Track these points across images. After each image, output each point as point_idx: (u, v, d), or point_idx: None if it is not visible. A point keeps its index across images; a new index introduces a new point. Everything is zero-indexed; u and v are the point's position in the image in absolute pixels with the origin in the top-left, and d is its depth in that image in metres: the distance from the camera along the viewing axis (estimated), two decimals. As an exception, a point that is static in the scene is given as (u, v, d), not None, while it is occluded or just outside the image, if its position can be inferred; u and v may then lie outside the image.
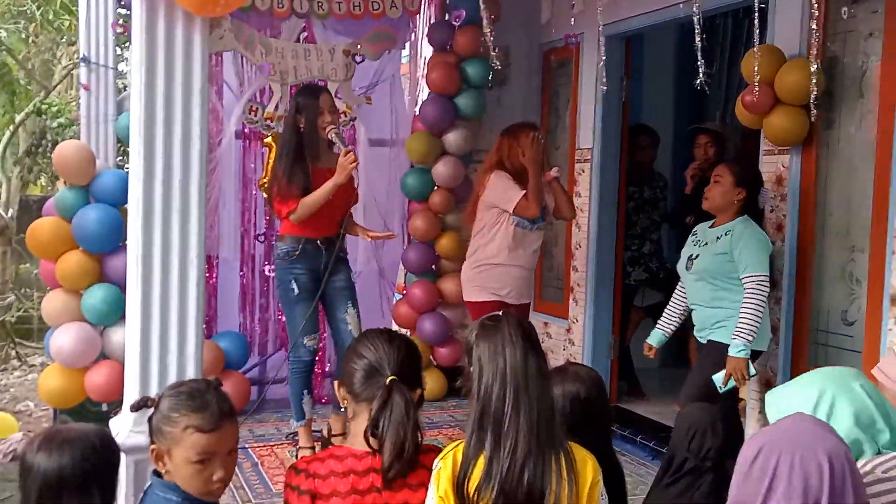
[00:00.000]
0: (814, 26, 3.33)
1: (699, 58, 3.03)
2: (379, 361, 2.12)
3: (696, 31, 2.92)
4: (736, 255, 3.78)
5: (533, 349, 1.99)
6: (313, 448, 4.49)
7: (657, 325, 4.25)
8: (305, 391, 4.52)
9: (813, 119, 3.85)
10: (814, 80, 3.42)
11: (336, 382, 2.22)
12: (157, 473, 2.11)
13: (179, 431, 2.02)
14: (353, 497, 2.03)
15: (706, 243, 3.94)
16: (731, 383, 3.73)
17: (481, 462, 1.93)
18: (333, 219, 4.44)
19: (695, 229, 4.12)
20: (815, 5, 3.45)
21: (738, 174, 3.91)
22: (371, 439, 2.05)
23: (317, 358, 4.55)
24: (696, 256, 3.95)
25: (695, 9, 2.80)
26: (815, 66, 3.34)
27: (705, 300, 3.91)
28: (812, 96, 3.49)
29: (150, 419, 2.09)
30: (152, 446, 2.07)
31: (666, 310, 4.25)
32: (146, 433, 2.73)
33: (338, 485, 2.03)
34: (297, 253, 4.36)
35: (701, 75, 3.11)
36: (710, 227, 3.99)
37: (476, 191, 4.74)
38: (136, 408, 2.17)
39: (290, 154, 4.33)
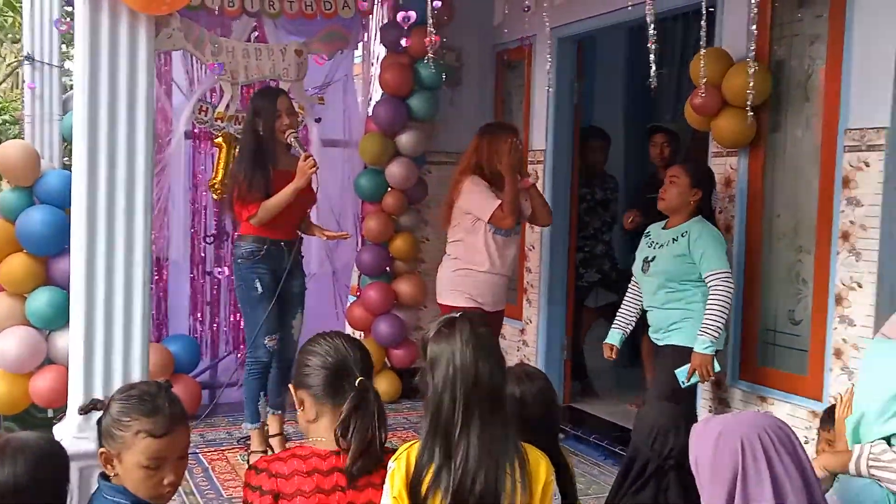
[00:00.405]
0: (754, 28, 3.37)
1: (652, 59, 3.05)
2: (345, 362, 2.12)
3: (650, 34, 2.94)
4: (696, 255, 3.80)
5: (487, 355, 1.96)
6: (266, 451, 4.44)
7: (614, 325, 4.23)
8: (262, 393, 4.48)
9: (749, 122, 3.89)
10: (751, 84, 3.45)
11: (291, 385, 2.19)
12: (104, 476, 2.07)
13: (131, 436, 1.99)
14: (317, 496, 2.02)
15: (661, 245, 3.96)
16: (695, 378, 3.76)
17: (432, 466, 1.92)
18: (293, 221, 4.45)
19: (647, 230, 4.14)
20: (756, 10, 3.50)
21: (695, 175, 3.94)
22: (341, 440, 2.05)
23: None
24: (653, 259, 3.97)
25: (647, 9, 2.82)
26: (753, 69, 3.37)
27: (661, 302, 3.94)
28: (749, 99, 3.52)
29: (98, 422, 2.05)
30: (101, 449, 2.03)
31: (621, 309, 4.25)
32: (91, 439, 2.68)
33: (301, 484, 2.02)
34: (262, 253, 4.36)
35: (652, 77, 3.13)
36: (663, 229, 4.02)
37: (451, 193, 4.58)
38: (84, 411, 2.14)
39: (249, 157, 4.32)
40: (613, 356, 4.23)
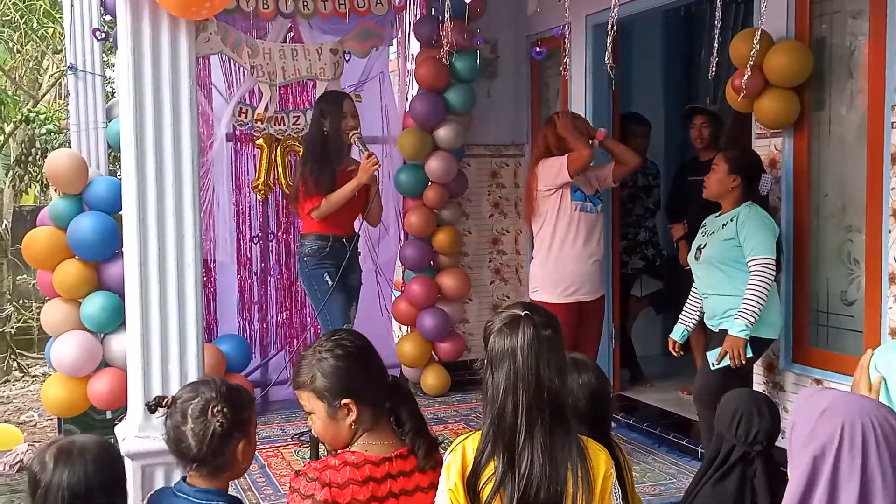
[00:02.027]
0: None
1: (705, 42, 2.98)
2: (381, 364, 2.15)
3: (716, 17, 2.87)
4: (742, 238, 3.78)
5: (550, 359, 1.92)
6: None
7: (679, 321, 4.19)
8: None
9: (745, 84, 3.80)
10: (755, 49, 3.31)
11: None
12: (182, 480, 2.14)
13: (250, 411, 2.16)
14: None
15: (713, 232, 3.96)
16: (725, 362, 3.73)
17: (491, 467, 1.91)
18: (352, 217, 4.72)
19: (704, 222, 4.12)
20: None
21: (732, 162, 3.92)
22: (405, 436, 2.10)
23: None
24: (704, 246, 3.97)
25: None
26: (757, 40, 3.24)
27: (715, 287, 3.91)
28: (749, 63, 3.39)
29: (224, 421, 2.08)
30: (240, 443, 2.09)
31: (686, 304, 4.19)
32: (150, 438, 2.75)
33: (357, 493, 1.99)
34: (327, 250, 4.60)
35: (712, 66, 3.08)
36: (716, 217, 4.02)
37: (529, 184, 4.66)
38: (153, 408, 2.16)
39: (316, 156, 4.61)
40: (677, 351, 4.19)
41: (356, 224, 4.75)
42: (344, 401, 2.05)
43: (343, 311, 4.62)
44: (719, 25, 6.09)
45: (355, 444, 2.08)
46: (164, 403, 2.13)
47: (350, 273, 4.71)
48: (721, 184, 3.93)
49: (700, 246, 4.00)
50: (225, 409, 2.07)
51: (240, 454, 2.09)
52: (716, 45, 2.87)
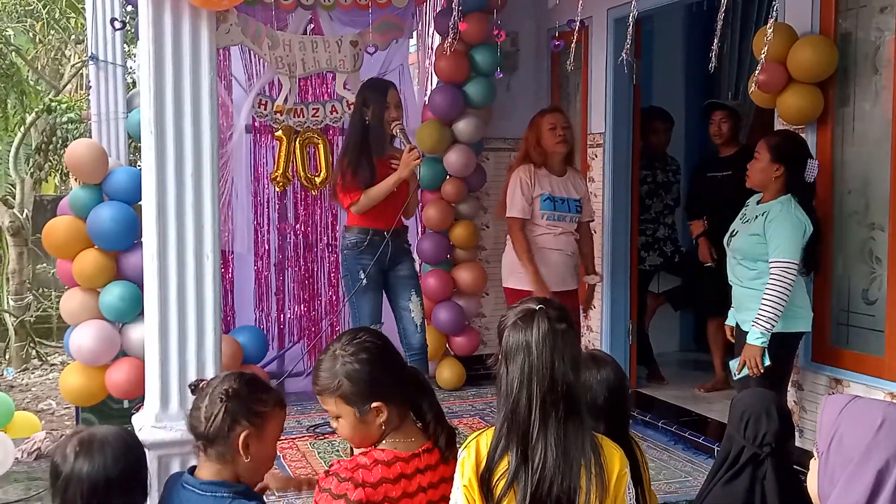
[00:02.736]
0: None
1: (717, 34, 2.94)
2: (401, 361, 2.15)
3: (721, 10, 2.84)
4: (768, 237, 3.64)
5: (564, 353, 1.91)
6: None
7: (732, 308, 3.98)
8: None
9: (757, 80, 3.68)
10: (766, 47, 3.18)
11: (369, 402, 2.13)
12: (190, 471, 2.14)
13: (270, 408, 2.13)
14: (403, 500, 2.01)
15: (748, 220, 3.79)
16: (745, 371, 3.66)
17: (505, 462, 1.91)
18: (396, 210, 4.48)
19: (748, 202, 3.94)
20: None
21: (776, 149, 3.72)
22: (429, 428, 2.11)
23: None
24: (736, 233, 3.83)
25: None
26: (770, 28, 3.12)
27: (739, 279, 3.81)
28: (762, 54, 3.29)
29: (227, 407, 2.08)
30: (245, 431, 2.06)
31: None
32: (167, 428, 2.75)
33: (389, 491, 1.99)
34: (365, 244, 4.44)
35: (712, 58, 3.04)
36: (757, 203, 3.84)
37: (504, 183, 4.74)
38: (194, 388, 2.22)
39: (356, 147, 4.42)
40: (734, 337, 3.98)
41: (402, 217, 4.59)
42: (374, 404, 2.04)
43: (374, 308, 4.48)
44: (740, 19, 6.06)
45: (383, 441, 2.08)
46: (200, 386, 2.19)
47: (397, 265, 4.53)
48: (764, 173, 3.72)
49: (733, 232, 3.86)
50: (236, 393, 2.08)
51: (241, 444, 2.05)
52: (721, 39, 2.83)
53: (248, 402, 2.09)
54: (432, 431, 2.11)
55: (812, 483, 1.60)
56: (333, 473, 2.00)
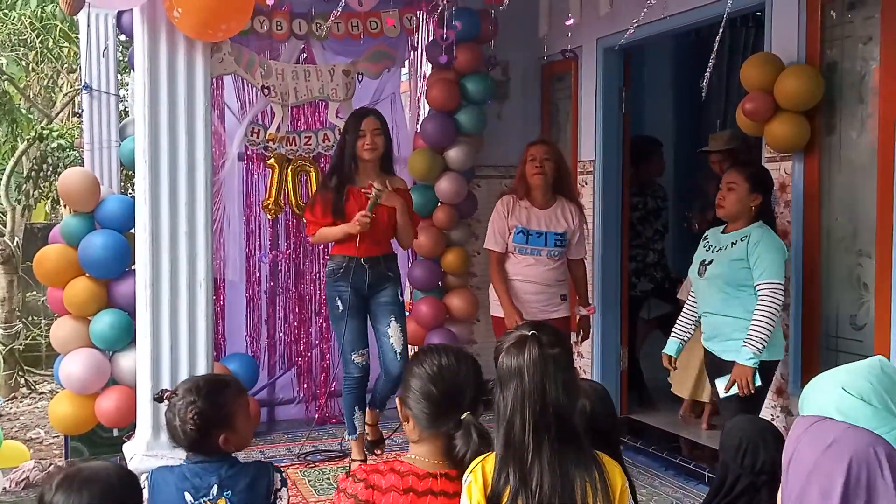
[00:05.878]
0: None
1: (711, 62, 3.01)
2: (450, 393, 2.10)
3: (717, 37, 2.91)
4: (752, 260, 3.66)
5: (556, 377, 1.93)
6: (365, 460, 4.52)
7: (672, 334, 4.11)
8: (356, 407, 4.53)
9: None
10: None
11: (398, 399, 2.18)
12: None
13: (235, 404, 2.34)
14: None
15: (720, 248, 3.82)
16: (734, 390, 3.66)
17: (510, 491, 1.92)
18: (376, 238, 4.43)
19: (706, 234, 4.00)
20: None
21: (753, 179, 3.77)
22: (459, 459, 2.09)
23: (367, 374, 4.55)
24: (710, 262, 3.84)
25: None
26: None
27: (718, 308, 3.81)
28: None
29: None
30: (221, 435, 2.31)
31: (679, 318, 4.12)
32: (158, 457, 2.75)
33: (396, 500, 2.04)
34: (342, 271, 4.42)
35: (703, 85, 3.10)
36: (722, 233, 3.88)
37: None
38: (159, 399, 2.37)
39: (328, 174, 4.51)
40: (673, 366, 4.14)
41: (392, 243, 4.58)
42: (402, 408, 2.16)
43: (356, 335, 4.43)
44: (726, 48, 6.13)
45: (405, 455, 2.14)
46: (165, 396, 2.35)
47: (379, 292, 4.45)
48: (742, 203, 3.75)
49: (704, 262, 3.88)
50: (199, 411, 2.27)
51: (221, 443, 2.28)
52: (709, 69, 2.87)
53: (213, 411, 2.29)
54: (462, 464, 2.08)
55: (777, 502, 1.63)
56: (353, 474, 2.11)
